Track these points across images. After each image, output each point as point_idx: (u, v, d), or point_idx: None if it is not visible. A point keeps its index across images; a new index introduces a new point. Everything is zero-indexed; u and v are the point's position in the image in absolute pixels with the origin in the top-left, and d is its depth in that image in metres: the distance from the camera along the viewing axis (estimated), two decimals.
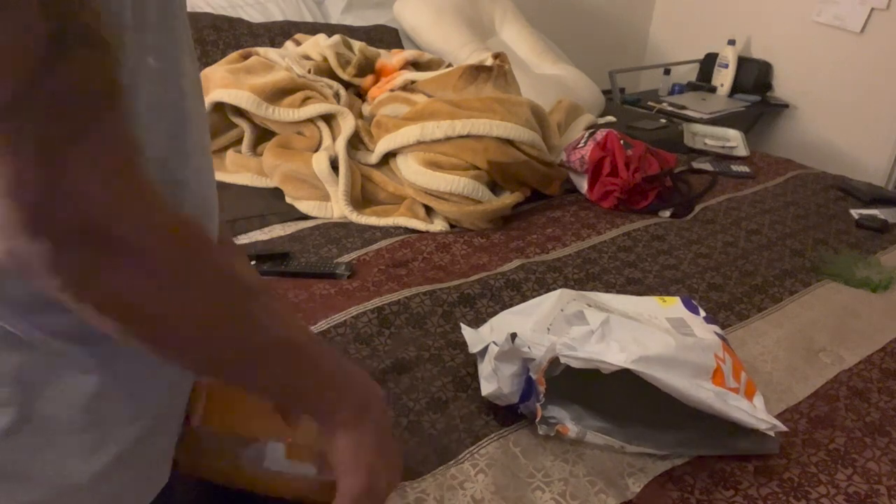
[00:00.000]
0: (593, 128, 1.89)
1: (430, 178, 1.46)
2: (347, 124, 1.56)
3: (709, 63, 2.96)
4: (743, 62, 2.85)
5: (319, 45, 1.79)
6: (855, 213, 1.71)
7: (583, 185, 1.69)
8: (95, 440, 0.49)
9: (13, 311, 0.45)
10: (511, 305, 1.09)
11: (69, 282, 0.38)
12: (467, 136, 1.48)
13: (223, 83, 1.56)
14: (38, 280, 0.38)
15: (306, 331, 0.53)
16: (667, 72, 2.90)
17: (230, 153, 1.63)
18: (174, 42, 0.48)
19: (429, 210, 1.51)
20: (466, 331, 1.04)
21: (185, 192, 0.51)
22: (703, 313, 1.05)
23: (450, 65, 1.88)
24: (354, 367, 0.58)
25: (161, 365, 0.52)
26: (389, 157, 1.57)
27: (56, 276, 0.38)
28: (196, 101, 0.53)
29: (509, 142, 1.51)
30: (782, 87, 2.89)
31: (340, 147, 1.52)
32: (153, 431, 0.54)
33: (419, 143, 1.50)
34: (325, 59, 1.76)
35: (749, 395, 0.91)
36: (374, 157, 1.57)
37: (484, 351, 0.97)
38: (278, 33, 1.96)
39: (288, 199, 1.53)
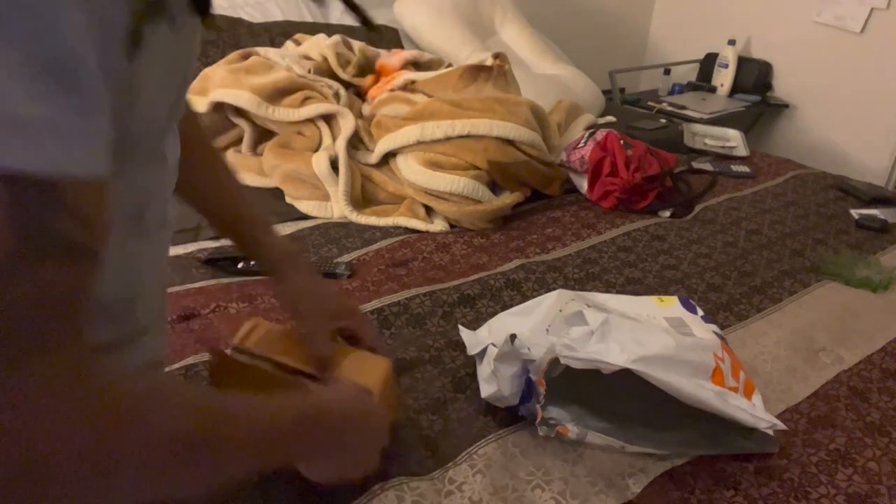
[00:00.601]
0: (593, 128, 1.89)
1: (430, 178, 1.46)
2: (347, 124, 1.56)
3: (709, 63, 2.96)
4: (743, 62, 2.85)
5: (319, 45, 1.79)
6: (855, 213, 1.71)
7: (583, 185, 1.69)
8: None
9: None
10: (511, 305, 1.09)
11: None
12: (467, 136, 1.48)
13: (223, 83, 1.56)
14: None
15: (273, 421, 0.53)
16: (667, 72, 2.90)
17: (230, 153, 1.63)
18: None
19: (429, 210, 1.51)
20: (464, 332, 1.04)
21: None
22: (700, 312, 1.05)
23: (450, 65, 1.88)
24: (330, 395, 0.63)
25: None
26: (389, 156, 1.57)
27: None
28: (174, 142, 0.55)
29: (509, 142, 1.51)
30: (782, 87, 2.89)
31: (340, 147, 1.52)
32: None
33: (419, 143, 1.50)
34: (325, 59, 1.76)
35: (748, 395, 0.91)
36: (374, 157, 1.57)
37: (482, 353, 0.97)
38: (278, 33, 1.96)
39: (288, 199, 1.53)
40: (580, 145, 1.70)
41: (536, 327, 0.93)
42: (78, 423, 0.36)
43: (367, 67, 1.81)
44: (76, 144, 0.33)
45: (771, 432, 0.86)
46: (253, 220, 0.77)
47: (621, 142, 1.67)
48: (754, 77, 2.83)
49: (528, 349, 0.87)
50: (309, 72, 1.70)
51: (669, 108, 2.65)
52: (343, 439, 0.60)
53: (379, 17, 2.24)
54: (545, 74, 2.29)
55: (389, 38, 2.18)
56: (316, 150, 1.53)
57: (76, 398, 0.36)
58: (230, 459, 0.47)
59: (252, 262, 1.25)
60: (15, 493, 0.35)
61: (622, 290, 1.27)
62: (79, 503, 0.39)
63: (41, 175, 0.31)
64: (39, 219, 0.32)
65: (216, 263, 1.23)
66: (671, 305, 1.05)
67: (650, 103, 2.70)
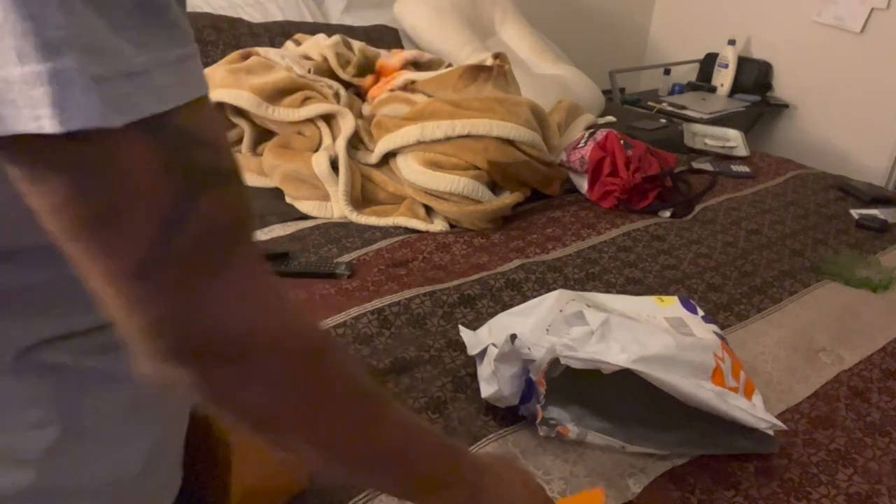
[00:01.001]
0: (593, 128, 1.89)
1: (430, 178, 1.46)
2: (347, 124, 1.56)
3: (709, 63, 2.96)
4: (743, 62, 2.84)
5: (319, 45, 1.79)
6: (855, 213, 1.71)
7: (583, 185, 1.69)
8: (132, 444, 0.51)
9: (51, 345, 0.46)
10: (511, 305, 1.09)
11: (212, 396, 0.40)
12: (467, 136, 1.48)
13: (223, 83, 1.56)
14: (181, 392, 0.40)
15: (429, 432, 0.54)
16: (667, 72, 2.90)
17: None
18: None
19: (429, 210, 1.51)
20: (465, 333, 1.04)
21: None
22: (701, 313, 1.05)
23: (450, 65, 1.88)
24: (466, 464, 0.57)
25: None
26: (389, 156, 1.57)
27: (199, 391, 0.39)
28: None
29: (509, 142, 1.51)
30: (782, 87, 2.89)
31: (340, 147, 1.52)
32: (172, 428, 0.55)
33: (419, 142, 1.50)
34: (325, 59, 1.76)
35: (748, 395, 0.91)
36: (374, 157, 1.57)
37: (483, 353, 0.97)
38: (278, 33, 1.96)
39: (288, 199, 1.53)
40: (580, 145, 1.70)
41: (537, 327, 0.93)
42: (273, 312, 0.40)
43: (367, 67, 1.81)
44: (189, 76, 0.35)
45: (771, 432, 0.86)
46: None
47: (621, 142, 1.67)
48: (754, 77, 2.83)
49: (529, 349, 0.87)
50: (309, 72, 1.70)
51: (669, 108, 2.65)
52: (479, 493, 0.56)
53: (379, 17, 2.24)
54: (545, 74, 2.29)
55: (389, 38, 2.18)
56: (316, 150, 1.53)
57: (268, 292, 0.40)
58: (390, 434, 0.48)
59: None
60: (220, 379, 0.39)
61: (622, 290, 1.27)
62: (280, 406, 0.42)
63: (173, 113, 0.33)
64: (184, 156, 0.34)
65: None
66: (671, 305, 1.05)
67: (650, 103, 2.70)
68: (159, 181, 0.33)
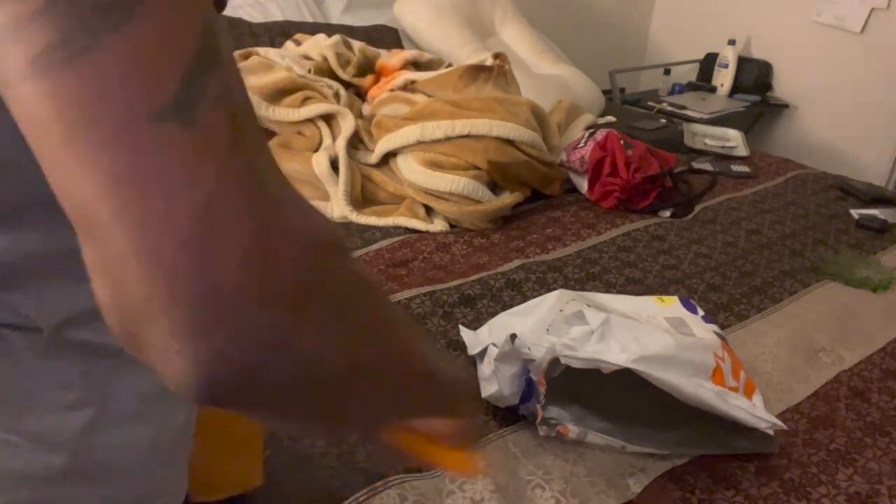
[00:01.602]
0: (593, 128, 1.89)
1: (430, 178, 1.46)
2: (347, 124, 1.56)
3: (709, 63, 2.96)
4: (743, 62, 2.84)
5: (319, 45, 1.79)
6: (855, 213, 1.71)
7: (583, 185, 1.69)
8: (160, 427, 0.51)
9: (84, 323, 0.46)
10: (511, 305, 1.09)
11: (272, 341, 0.29)
12: (467, 136, 1.48)
13: None
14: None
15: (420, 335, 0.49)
16: (667, 72, 2.90)
17: None
18: None
19: (429, 210, 1.51)
20: (465, 332, 1.04)
21: None
22: (701, 312, 1.05)
23: (450, 65, 1.88)
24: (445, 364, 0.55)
25: None
26: (389, 156, 1.57)
27: (251, 341, 0.27)
28: None
29: (509, 142, 1.51)
30: (782, 87, 2.89)
31: (340, 147, 1.52)
32: (191, 417, 0.56)
33: (419, 142, 1.50)
34: (325, 59, 1.76)
35: (748, 394, 0.91)
36: (374, 157, 1.57)
37: (483, 353, 0.97)
38: (278, 33, 1.96)
39: None
40: (580, 145, 1.70)
41: (537, 327, 0.93)
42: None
43: (367, 67, 1.81)
44: None
45: (771, 432, 0.86)
46: None
47: (621, 142, 1.67)
48: (754, 77, 2.83)
49: (529, 349, 0.87)
50: (309, 72, 1.70)
51: (669, 108, 2.65)
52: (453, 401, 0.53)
53: (379, 17, 2.24)
54: (545, 74, 2.29)
55: (389, 38, 2.18)
56: (316, 150, 1.53)
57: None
58: (387, 339, 0.39)
59: None
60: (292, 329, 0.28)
61: (622, 290, 1.27)
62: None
63: None
64: (206, 21, 0.29)
65: None
66: (671, 305, 1.05)
67: (650, 103, 2.70)
68: (185, 32, 0.27)
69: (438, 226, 1.47)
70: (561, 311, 0.96)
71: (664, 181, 1.69)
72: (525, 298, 1.17)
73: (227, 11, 1.96)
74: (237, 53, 1.70)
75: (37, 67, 0.25)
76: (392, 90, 1.68)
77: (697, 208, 1.68)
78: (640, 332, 0.90)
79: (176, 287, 0.25)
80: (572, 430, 0.86)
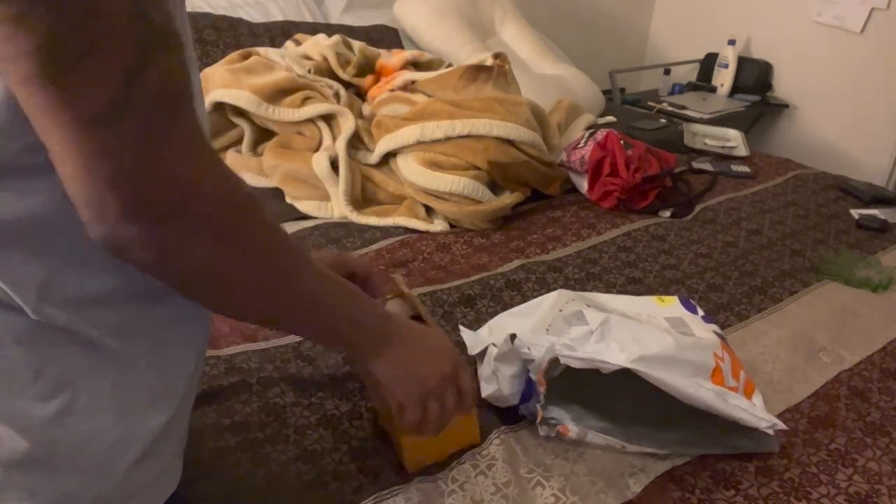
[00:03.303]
0: (593, 128, 1.89)
1: (430, 178, 1.46)
2: (347, 124, 1.56)
3: (709, 63, 2.96)
4: (743, 62, 2.85)
5: (319, 45, 1.79)
6: (855, 213, 1.71)
7: (583, 185, 1.69)
8: (130, 428, 0.51)
9: (67, 308, 0.47)
10: (512, 306, 1.09)
11: (160, 256, 0.44)
12: (467, 136, 1.48)
13: (223, 83, 1.56)
14: (129, 258, 0.43)
15: (342, 283, 0.61)
16: (667, 72, 2.90)
17: (230, 153, 1.63)
18: (188, 47, 0.50)
19: (429, 210, 1.51)
20: (465, 333, 1.04)
21: None
22: (701, 312, 1.05)
23: (450, 65, 1.88)
24: (376, 310, 0.65)
25: (185, 356, 0.56)
26: (389, 156, 1.57)
27: (149, 252, 0.43)
28: (200, 106, 0.54)
29: (509, 142, 1.51)
30: (782, 87, 2.89)
31: (340, 147, 1.52)
32: (172, 422, 0.56)
33: (419, 143, 1.50)
34: (325, 59, 1.76)
35: (748, 394, 0.91)
36: (374, 157, 1.57)
37: (483, 353, 0.97)
38: (278, 33, 1.96)
39: (288, 199, 1.53)
40: (580, 145, 1.70)
41: (537, 327, 0.93)
42: (212, 168, 0.45)
43: (367, 67, 1.81)
44: None
45: (771, 432, 0.86)
46: None
47: (621, 142, 1.67)
48: (754, 77, 2.83)
49: (529, 349, 0.87)
50: (309, 72, 1.70)
51: (669, 108, 2.65)
52: (387, 339, 0.64)
53: (379, 17, 2.24)
54: (545, 74, 2.29)
55: (389, 38, 2.18)
56: (316, 150, 1.53)
57: (209, 152, 0.45)
58: (308, 281, 0.55)
59: None
60: (168, 235, 0.43)
61: (622, 290, 1.27)
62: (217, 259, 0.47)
63: None
64: (147, 10, 0.38)
65: None
66: (671, 305, 1.05)
67: (650, 103, 2.70)
68: (126, 29, 0.37)
69: (438, 226, 1.47)
70: (561, 311, 0.96)
71: (664, 181, 1.69)
72: (525, 298, 1.17)
73: (228, 11, 1.96)
74: (237, 53, 1.70)
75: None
76: (392, 90, 1.68)
77: (697, 208, 1.68)
78: (640, 332, 0.90)
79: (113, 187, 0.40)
80: (572, 430, 0.86)
